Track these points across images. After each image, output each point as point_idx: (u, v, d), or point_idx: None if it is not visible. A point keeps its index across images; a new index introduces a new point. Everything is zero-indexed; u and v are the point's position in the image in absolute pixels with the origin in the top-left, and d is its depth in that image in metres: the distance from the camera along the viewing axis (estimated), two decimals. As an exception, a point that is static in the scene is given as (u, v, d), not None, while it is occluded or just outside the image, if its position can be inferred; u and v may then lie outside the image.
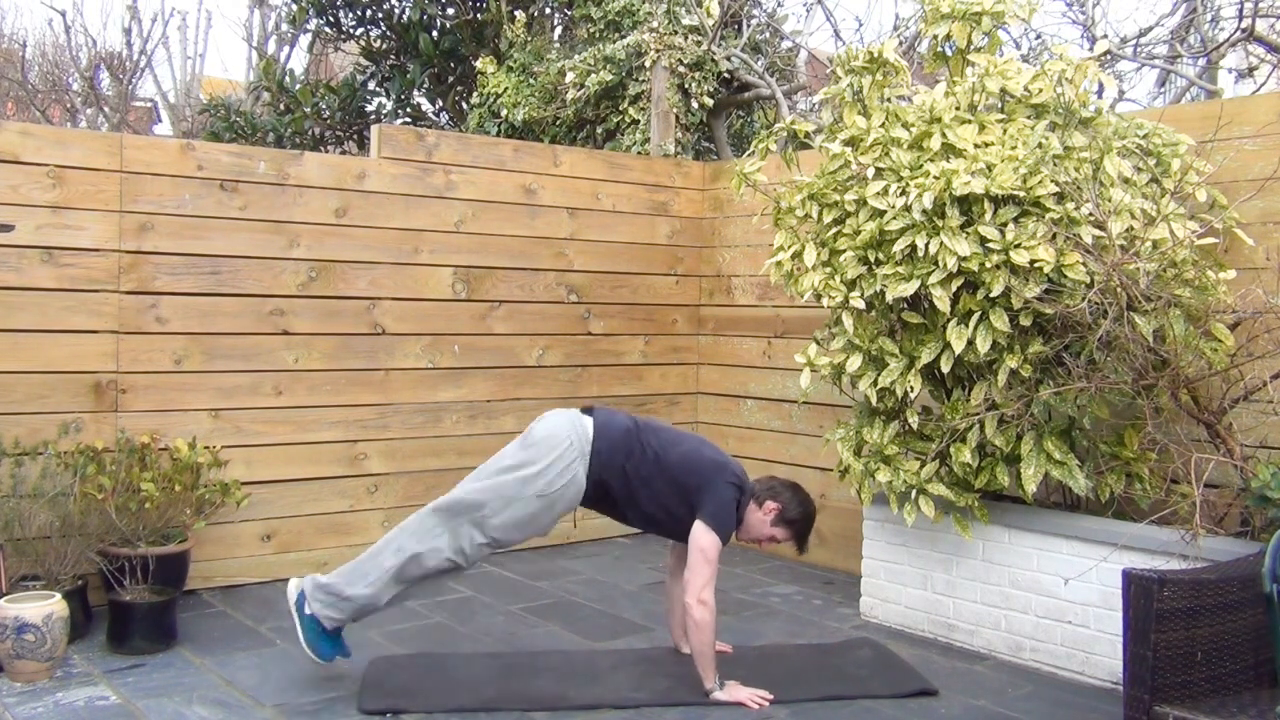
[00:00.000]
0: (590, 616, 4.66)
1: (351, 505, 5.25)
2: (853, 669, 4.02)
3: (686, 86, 6.80)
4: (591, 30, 7.50)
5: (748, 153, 4.75)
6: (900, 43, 7.13)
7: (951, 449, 4.04)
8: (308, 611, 3.68)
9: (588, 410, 3.83)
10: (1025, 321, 3.82)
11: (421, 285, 5.41)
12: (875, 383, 4.14)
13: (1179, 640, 2.84)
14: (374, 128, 5.43)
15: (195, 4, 26.76)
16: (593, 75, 6.97)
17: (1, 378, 4.36)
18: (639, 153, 6.68)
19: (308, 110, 9.07)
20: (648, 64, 6.78)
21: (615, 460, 3.70)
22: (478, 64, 8.12)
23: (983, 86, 4.18)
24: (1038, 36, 7.71)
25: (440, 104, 9.49)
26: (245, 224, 4.91)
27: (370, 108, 9.38)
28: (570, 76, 7.20)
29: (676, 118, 6.73)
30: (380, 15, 9.11)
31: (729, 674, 3.74)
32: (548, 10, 8.80)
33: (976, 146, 4.01)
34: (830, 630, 4.56)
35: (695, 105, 6.82)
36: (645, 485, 3.70)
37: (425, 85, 9.22)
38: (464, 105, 9.12)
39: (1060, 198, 3.84)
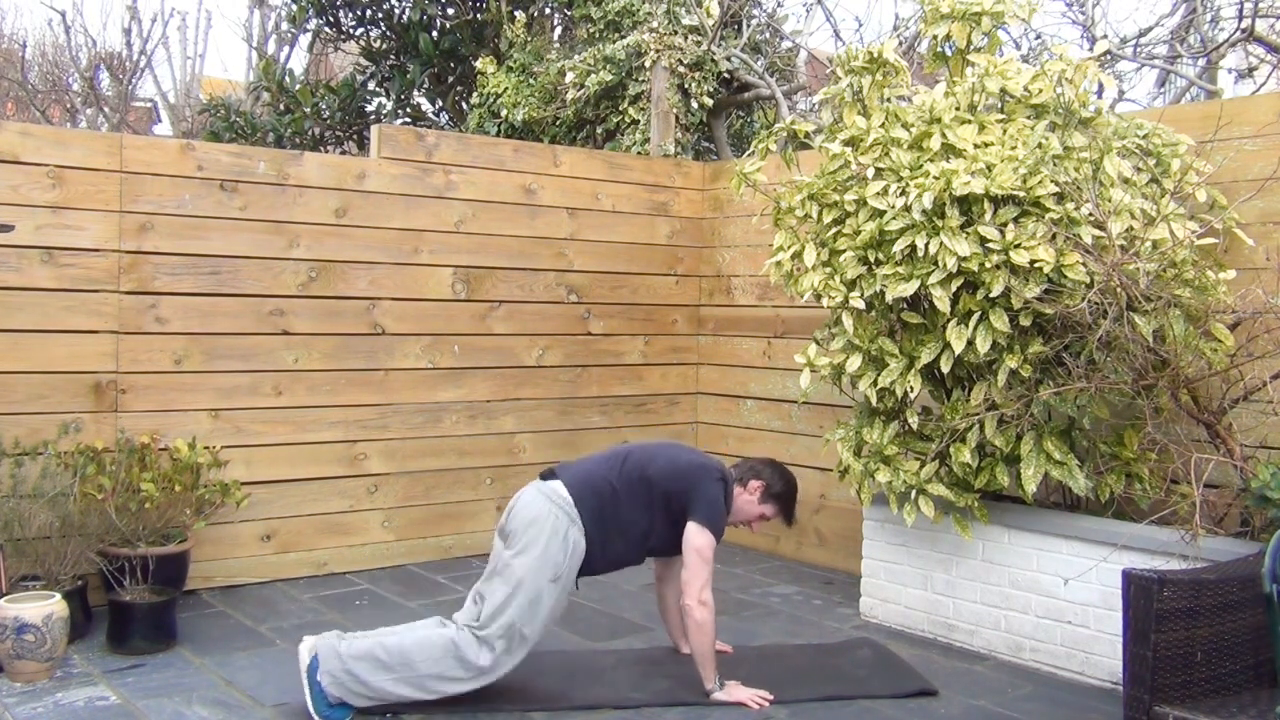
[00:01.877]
0: (590, 616, 4.66)
1: (351, 505, 5.25)
2: (853, 669, 4.02)
3: (686, 86, 6.80)
4: (591, 30, 7.50)
5: (748, 153, 4.75)
6: (900, 43, 7.14)
7: (951, 449, 4.04)
8: (320, 679, 3.44)
9: (548, 474, 3.69)
10: (1025, 321, 3.82)
11: (421, 285, 5.41)
12: (875, 383, 4.14)
13: (1179, 640, 2.84)
14: (374, 128, 5.43)
15: (195, 4, 26.78)
16: (593, 75, 6.97)
17: (1, 378, 4.36)
18: (639, 153, 6.68)
19: (308, 110, 9.07)
20: (648, 64, 6.78)
21: (604, 504, 3.60)
22: (478, 64, 8.12)
23: (983, 87, 4.18)
24: (1038, 36, 7.72)
25: (440, 104, 9.49)
26: (245, 224, 4.91)
27: (370, 108, 9.38)
28: (570, 76, 7.20)
29: (676, 118, 6.73)
30: (380, 15, 9.10)
31: (729, 674, 3.74)
32: (548, 10, 8.80)
33: (976, 147, 4.01)
34: (830, 630, 4.56)
35: (695, 105, 6.82)
36: (638, 511, 3.64)
37: (425, 85, 9.22)
38: (464, 105, 9.12)
39: (1060, 198, 3.84)
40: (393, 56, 9.18)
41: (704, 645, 3.61)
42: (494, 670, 3.47)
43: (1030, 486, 3.92)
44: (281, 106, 9.33)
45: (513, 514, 3.60)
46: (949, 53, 4.54)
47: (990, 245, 3.78)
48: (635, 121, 6.90)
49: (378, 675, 3.41)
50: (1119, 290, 3.64)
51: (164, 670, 3.88)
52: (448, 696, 3.46)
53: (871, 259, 4.09)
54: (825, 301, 4.20)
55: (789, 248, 4.39)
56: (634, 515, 3.64)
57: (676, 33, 6.85)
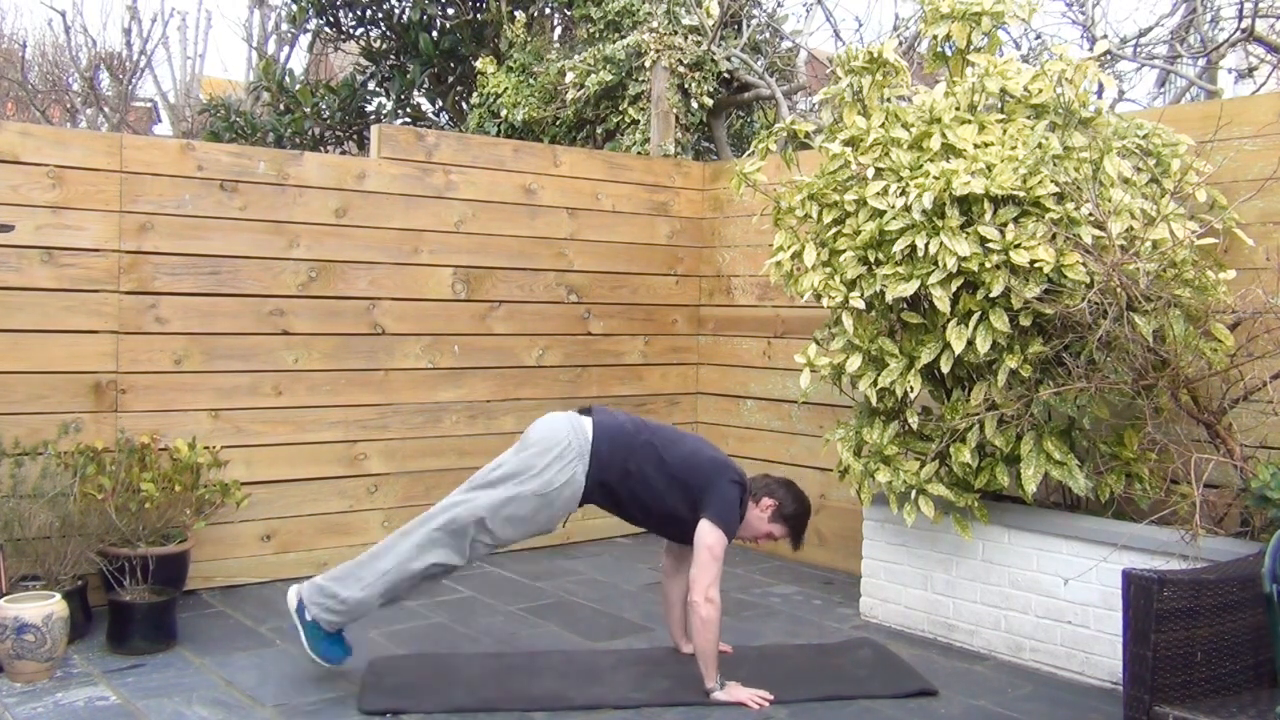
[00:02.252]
0: (590, 616, 4.66)
1: (351, 505, 5.25)
2: (853, 669, 4.02)
3: (686, 86, 6.80)
4: (591, 30, 7.50)
5: (748, 153, 4.75)
6: (900, 43, 7.14)
7: (951, 449, 4.04)
8: (308, 617, 3.70)
9: (586, 411, 3.83)
10: (1025, 321, 3.82)
11: (421, 285, 5.41)
12: (875, 383, 4.14)
13: (1179, 640, 2.84)
14: (374, 128, 5.43)
15: (195, 4, 26.78)
16: (592, 75, 6.97)
17: (1, 378, 4.35)
18: (639, 153, 6.68)
19: (308, 110, 9.07)
20: (648, 64, 6.78)
21: (616, 460, 3.69)
22: (478, 64, 8.12)
23: (982, 87, 4.18)
24: (1038, 36, 7.72)
25: (440, 104, 9.49)
26: (245, 224, 4.91)
27: (370, 108, 9.38)
28: (570, 76, 7.20)
29: (676, 118, 6.73)
30: (380, 15, 9.10)
31: (729, 674, 3.74)
32: (548, 10, 8.80)
33: (976, 147, 4.01)
34: (830, 630, 4.56)
35: (695, 105, 6.82)
36: (647, 485, 3.71)
37: (425, 85, 9.22)
38: (464, 105, 9.12)
39: (1060, 198, 3.84)
40: (393, 56, 9.18)
41: (708, 643, 3.61)
42: (453, 555, 3.65)
43: (1030, 486, 3.92)
44: (281, 106, 9.33)
45: (534, 425, 3.77)
46: (949, 53, 4.54)
47: (990, 245, 3.78)
48: (635, 121, 6.90)
49: (354, 587, 3.63)
50: (1119, 290, 3.64)
51: (164, 670, 3.88)
52: (415, 574, 3.65)
53: (871, 259, 4.09)
54: (825, 301, 4.20)
55: (789, 248, 4.39)
56: (643, 482, 3.70)
57: (676, 33, 6.85)
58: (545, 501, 3.66)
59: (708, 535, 3.61)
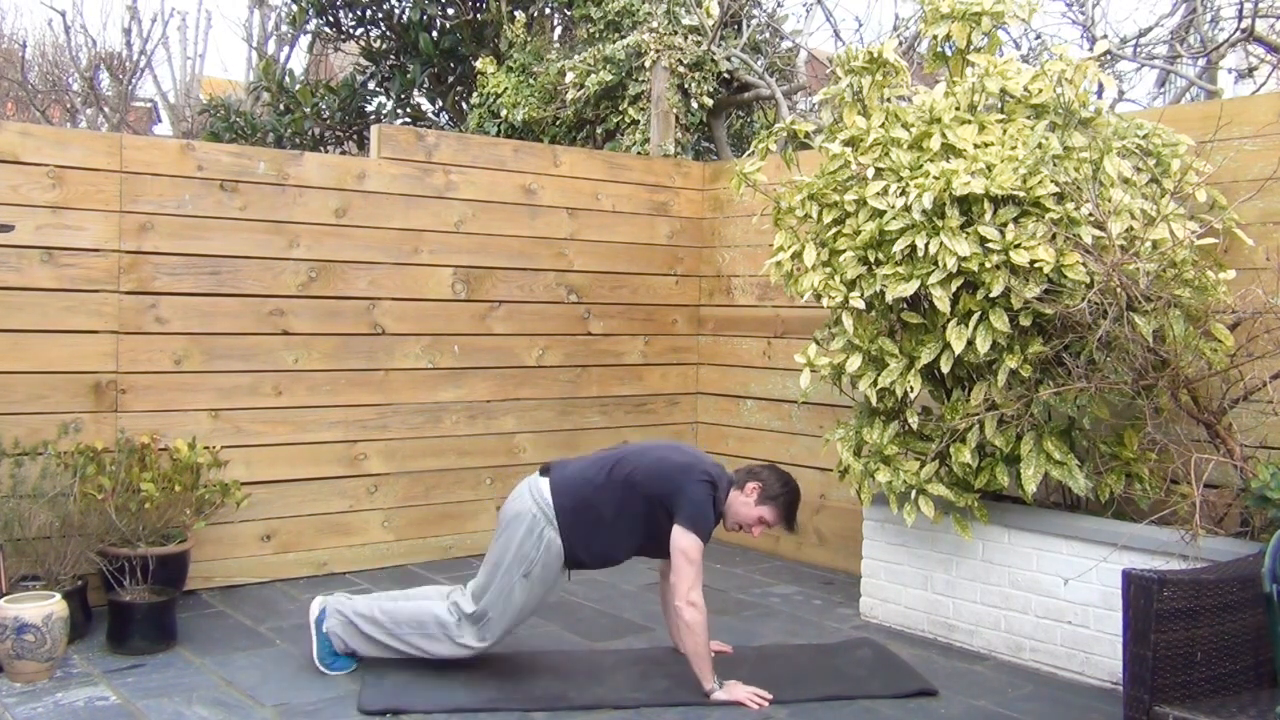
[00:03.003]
0: (590, 616, 4.66)
1: (351, 505, 5.25)
2: (853, 669, 4.02)
3: (686, 86, 6.80)
4: (591, 30, 7.50)
5: (748, 153, 4.75)
6: (900, 43, 7.14)
7: (951, 449, 4.04)
8: (324, 629, 3.85)
9: (545, 469, 3.82)
10: (1025, 322, 3.82)
11: (421, 285, 5.41)
12: (875, 383, 4.14)
13: (1179, 640, 2.84)
14: (374, 128, 5.43)
15: (195, 4, 26.78)
16: (592, 75, 6.97)
17: (1, 378, 4.36)
18: (639, 153, 6.68)
19: (308, 110, 9.08)
20: (647, 64, 6.78)
21: (582, 508, 3.68)
22: (478, 64, 8.11)
23: (982, 87, 4.18)
24: (1038, 37, 7.72)
25: (440, 104, 9.49)
26: (245, 224, 4.91)
27: (370, 108, 9.38)
28: (570, 77, 7.20)
29: (676, 118, 6.73)
30: (380, 15, 9.10)
31: (729, 674, 3.74)
32: (548, 10, 8.80)
33: (976, 147, 4.01)
34: (830, 630, 4.56)
35: (695, 105, 6.82)
36: (622, 515, 3.69)
37: (425, 85, 9.22)
38: (464, 105, 9.12)
39: (1060, 198, 3.84)
40: (393, 56, 9.18)
41: (697, 646, 3.62)
42: (471, 648, 3.75)
43: (1030, 486, 3.92)
44: (281, 106, 9.33)
45: (505, 504, 3.84)
46: (949, 53, 4.54)
47: (990, 245, 3.78)
48: (635, 121, 6.90)
49: (372, 629, 3.79)
50: (1119, 290, 3.64)
51: (164, 670, 3.88)
52: (429, 656, 3.79)
53: (871, 259, 4.09)
54: (825, 301, 4.20)
55: (789, 248, 4.39)
56: (617, 518, 3.70)
57: (676, 33, 6.85)
58: (535, 580, 3.69)
59: (680, 540, 3.62)
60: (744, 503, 3.79)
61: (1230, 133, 4.18)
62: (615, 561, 3.86)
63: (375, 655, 3.84)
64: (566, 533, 3.67)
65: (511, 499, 3.80)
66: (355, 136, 9.47)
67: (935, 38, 4.51)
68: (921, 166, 4.00)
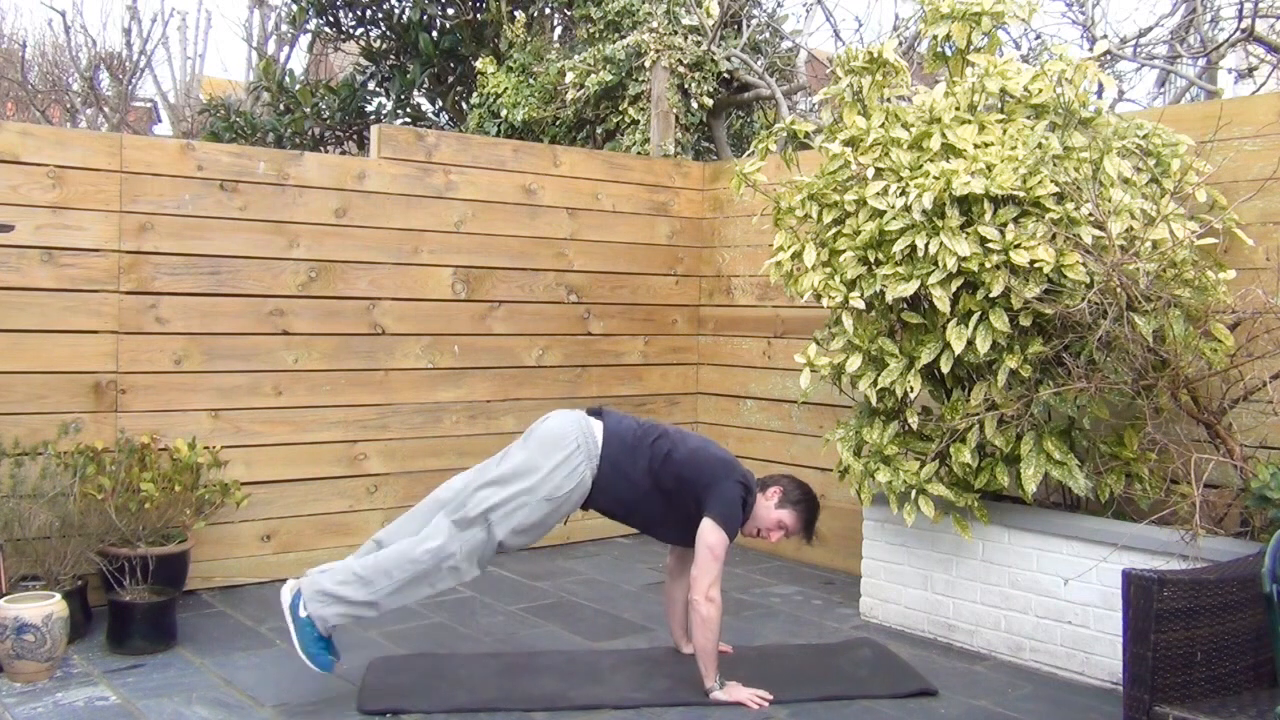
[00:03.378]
0: (590, 616, 4.66)
1: (351, 505, 5.25)
2: (853, 669, 4.02)
3: (686, 86, 6.80)
4: (591, 30, 7.50)
5: (748, 153, 4.75)
6: (900, 43, 7.14)
7: (951, 449, 4.04)
8: (303, 614, 3.55)
9: (595, 412, 3.79)
10: (1025, 322, 3.82)
11: (421, 285, 5.41)
12: (875, 383, 4.14)
13: (1179, 640, 2.84)
14: (374, 128, 5.43)
15: (195, 4, 26.79)
16: (592, 75, 6.98)
17: (1, 378, 4.35)
18: (639, 153, 6.68)
19: (308, 110, 9.08)
20: (647, 64, 6.78)
21: (623, 465, 3.66)
22: (478, 64, 8.12)
23: (982, 87, 4.18)
24: (1038, 36, 7.72)
25: (440, 104, 9.49)
26: (245, 224, 4.91)
27: (370, 108, 9.38)
28: (570, 77, 7.20)
29: (676, 118, 6.73)
30: (380, 15, 9.11)
31: (729, 674, 3.74)
32: (548, 10, 8.81)
33: (976, 147, 4.01)
34: (830, 630, 4.56)
35: (695, 105, 6.82)
36: (655, 488, 3.69)
37: (425, 85, 9.22)
38: (464, 105, 9.12)
39: (1060, 198, 3.84)
40: (393, 56, 9.18)
41: (708, 642, 3.61)
42: (463, 562, 3.57)
43: (1030, 486, 3.92)
44: (281, 106, 9.34)
45: (544, 422, 3.71)
46: (949, 53, 4.54)
47: (990, 245, 3.78)
48: (635, 121, 6.90)
49: (358, 591, 3.52)
50: (1119, 290, 3.64)
51: (164, 670, 3.88)
52: (427, 582, 3.58)
53: (871, 259, 4.09)
54: (825, 301, 4.20)
55: (789, 248, 4.39)
56: (652, 488, 3.68)
57: (676, 33, 6.85)
58: (554, 506, 3.63)
59: (709, 534, 3.60)
60: (764, 505, 3.80)
61: (1230, 133, 4.18)
62: (629, 522, 3.85)
63: (365, 604, 3.54)
64: (602, 481, 3.64)
65: (549, 420, 3.70)
66: (355, 136, 9.47)
67: (935, 38, 4.51)
68: (921, 166, 4.00)
